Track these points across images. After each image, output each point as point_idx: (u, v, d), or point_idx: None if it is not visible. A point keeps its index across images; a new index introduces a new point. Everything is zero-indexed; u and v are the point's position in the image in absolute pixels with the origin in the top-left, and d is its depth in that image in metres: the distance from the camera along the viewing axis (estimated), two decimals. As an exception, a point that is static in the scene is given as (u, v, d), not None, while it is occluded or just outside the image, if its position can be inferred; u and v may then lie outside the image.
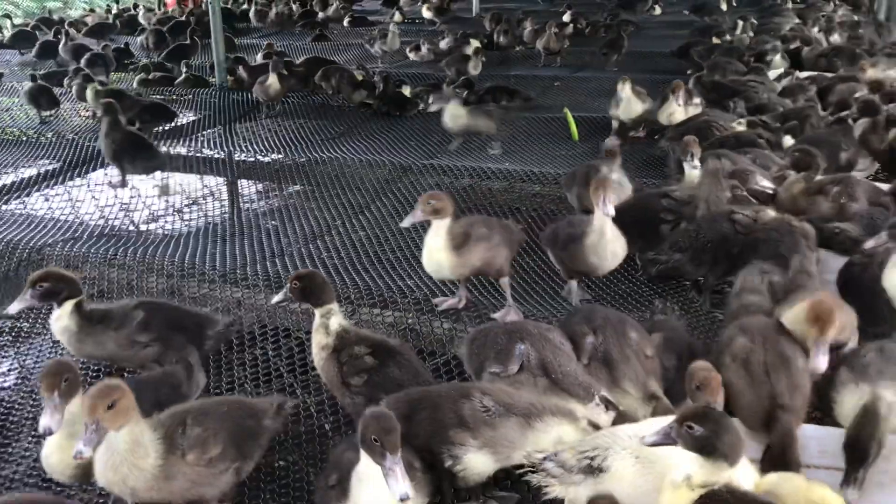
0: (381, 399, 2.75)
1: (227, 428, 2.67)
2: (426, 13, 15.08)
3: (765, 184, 4.53)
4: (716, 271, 4.11)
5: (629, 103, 6.91)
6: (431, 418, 2.63)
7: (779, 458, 2.57)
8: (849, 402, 2.72)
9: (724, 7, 13.97)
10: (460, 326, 3.90)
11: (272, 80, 8.48)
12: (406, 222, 3.85)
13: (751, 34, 9.89)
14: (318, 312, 3.13)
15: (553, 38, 10.74)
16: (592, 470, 2.37)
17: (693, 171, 4.61)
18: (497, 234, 3.91)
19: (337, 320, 3.11)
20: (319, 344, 3.10)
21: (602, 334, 3.07)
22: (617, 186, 4.47)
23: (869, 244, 3.50)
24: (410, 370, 3.02)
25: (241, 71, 9.89)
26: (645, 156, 6.70)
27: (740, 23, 11.15)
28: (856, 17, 11.69)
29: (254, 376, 3.77)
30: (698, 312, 4.11)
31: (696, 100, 6.81)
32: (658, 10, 13.95)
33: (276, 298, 3.30)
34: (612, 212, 3.73)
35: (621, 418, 2.69)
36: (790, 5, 13.12)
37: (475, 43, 10.51)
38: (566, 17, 13.52)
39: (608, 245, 3.81)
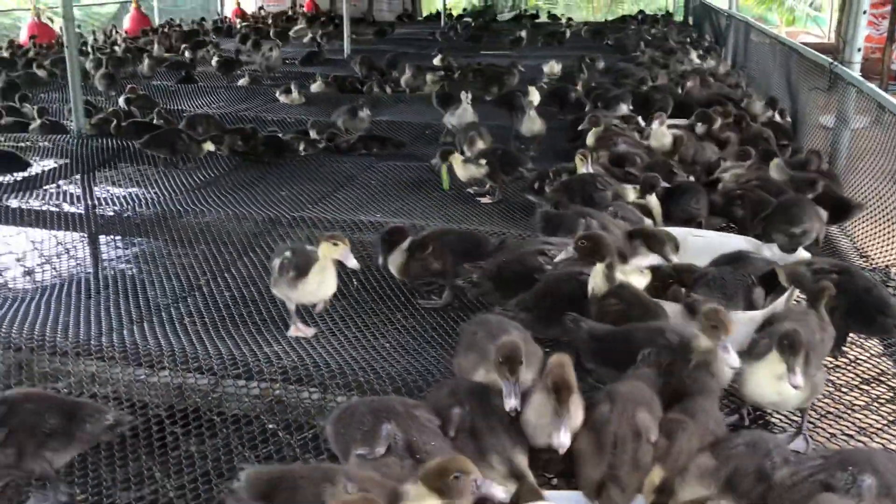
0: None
1: None
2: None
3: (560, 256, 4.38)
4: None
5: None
6: (290, 501, 2.53)
7: None
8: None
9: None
10: (329, 397, 3.81)
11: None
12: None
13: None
14: None
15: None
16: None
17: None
18: None
19: None
20: None
21: (468, 404, 3.06)
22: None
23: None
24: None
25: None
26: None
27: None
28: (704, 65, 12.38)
29: (108, 459, 3.55)
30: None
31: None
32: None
33: None
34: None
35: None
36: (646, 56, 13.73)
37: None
38: (436, 61, 13.74)
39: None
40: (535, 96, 9.95)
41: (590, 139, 7.37)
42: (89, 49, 15.32)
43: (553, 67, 12.54)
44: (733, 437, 2.94)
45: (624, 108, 8.73)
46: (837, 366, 4.23)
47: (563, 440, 2.84)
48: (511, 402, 2.97)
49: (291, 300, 4.47)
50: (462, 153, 7.28)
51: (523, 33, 19.09)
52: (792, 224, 5.14)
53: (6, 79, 12.03)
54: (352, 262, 4.25)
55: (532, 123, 8.32)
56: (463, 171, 6.96)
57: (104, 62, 13.01)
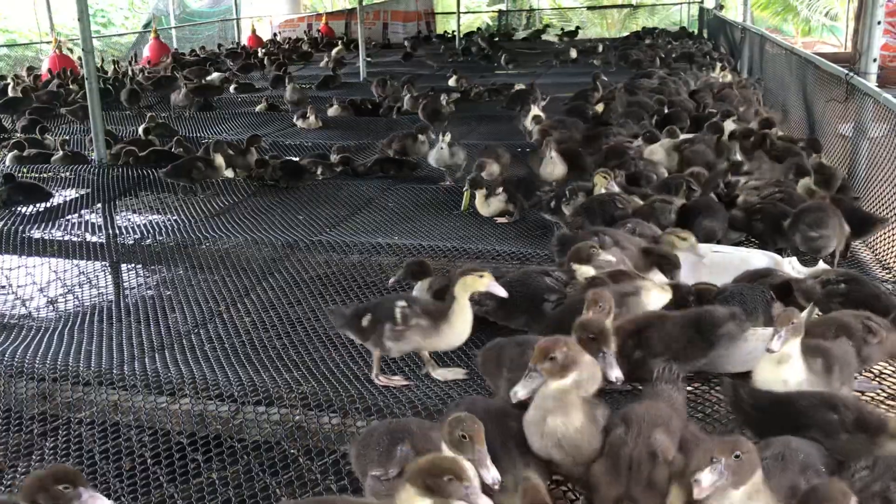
0: None
1: None
2: None
3: (608, 258, 4.47)
4: None
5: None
6: None
7: None
8: None
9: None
10: (349, 422, 3.81)
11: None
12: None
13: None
14: None
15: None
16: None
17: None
18: None
19: None
20: None
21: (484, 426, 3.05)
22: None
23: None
24: None
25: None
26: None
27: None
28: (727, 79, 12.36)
29: (130, 486, 3.57)
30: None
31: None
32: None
33: None
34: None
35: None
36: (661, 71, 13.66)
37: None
38: (451, 82, 13.80)
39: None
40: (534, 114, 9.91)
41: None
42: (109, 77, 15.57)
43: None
44: (760, 450, 2.89)
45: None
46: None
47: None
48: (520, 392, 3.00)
49: (424, 349, 4.15)
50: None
51: (573, 53, 19.20)
52: (812, 228, 5.16)
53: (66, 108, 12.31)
54: (501, 291, 3.90)
55: (553, 167, 7.38)
56: (486, 208, 7.02)
57: (130, 80, 13.20)
